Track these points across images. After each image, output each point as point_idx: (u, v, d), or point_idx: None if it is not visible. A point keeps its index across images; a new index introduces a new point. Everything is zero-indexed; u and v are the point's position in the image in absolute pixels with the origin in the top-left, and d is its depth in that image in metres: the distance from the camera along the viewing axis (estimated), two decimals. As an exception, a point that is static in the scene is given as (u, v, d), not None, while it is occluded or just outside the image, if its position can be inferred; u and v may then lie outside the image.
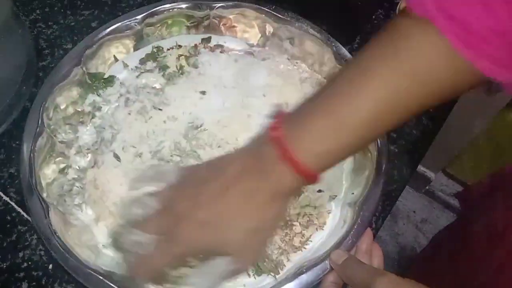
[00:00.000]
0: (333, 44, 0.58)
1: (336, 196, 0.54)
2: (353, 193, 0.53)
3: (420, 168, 1.34)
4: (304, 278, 0.46)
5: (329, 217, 0.52)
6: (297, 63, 0.62)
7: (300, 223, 0.52)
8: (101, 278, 0.46)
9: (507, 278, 0.51)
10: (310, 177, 0.38)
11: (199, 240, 0.38)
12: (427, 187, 1.44)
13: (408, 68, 0.35)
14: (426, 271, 0.72)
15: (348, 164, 0.55)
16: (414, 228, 1.45)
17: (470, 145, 1.18)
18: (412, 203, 1.48)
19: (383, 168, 0.52)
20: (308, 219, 0.52)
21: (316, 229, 0.52)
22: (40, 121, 0.53)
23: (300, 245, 0.51)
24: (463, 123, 0.82)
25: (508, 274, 0.51)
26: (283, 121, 0.38)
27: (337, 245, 0.47)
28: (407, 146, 0.60)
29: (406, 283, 0.39)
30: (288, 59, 0.62)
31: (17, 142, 0.57)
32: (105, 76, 0.60)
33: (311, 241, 0.51)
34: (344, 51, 0.58)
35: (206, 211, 0.38)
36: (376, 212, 0.52)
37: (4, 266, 0.51)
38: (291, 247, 0.51)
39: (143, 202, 0.40)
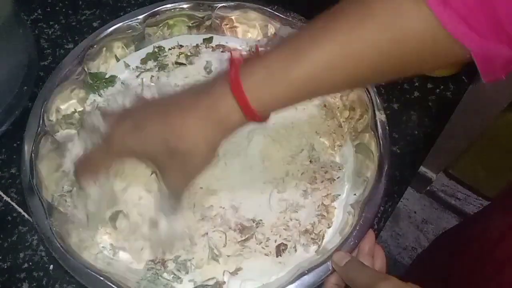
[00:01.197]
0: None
1: (339, 195, 0.53)
2: (355, 194, 0.53)
3: (421, 168, 1.34)
4: (306, 279, 0.46)
5: (334, 216, 0.52)
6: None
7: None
8: (102, 278, 0.46)
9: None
10: (250, 112, 0.39)
11: (130, 142, 0.42)
12: (428, 188, 1.44)
13: (381, 26, 0.36)
14: (423, 274, 0.72)
15: (350, 165, 0.55)
16: (415, 229, 1.45)
17: (471, 146, 1.17)
18: (413, 204, 1.47)
19: (385, 169, 0.51)
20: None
21: (328, 224, 0.52)
22: (41, 121, 0.53)
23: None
24: (465, 123, 0.82)
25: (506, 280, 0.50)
26: (241, 65, 0.39)
27: (340, 247, 0.47)
28: (409, 147, 0.60)
29: (409, 287, 0.39)
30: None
31: (18, 142, 0.57)
32: (106, 76, 0.60)
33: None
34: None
35: (141, 120, 0.42)
36: (378, 213, 0.52)
37: (5, 267, 0.51)
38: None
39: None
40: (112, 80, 0.60)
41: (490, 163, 1.22)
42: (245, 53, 0.50)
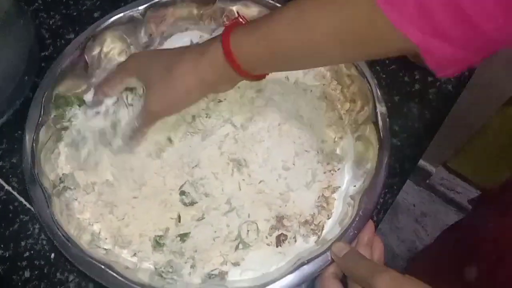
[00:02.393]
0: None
1: (339, 187, 0.54)
2: (355, 186, 0.53)
3: (421, 162, 1.34)
4: (306, 269, 0.46)
5: (334, 207, 0.53)
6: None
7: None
8: (103, 267, 0.46)
9: None
10: (235, 66, 0.46)
11: (138, 60, 0.53)
12: (427, 181, 1.44)
13: (343, 14, 0.40)
14: (428, 271, 0.72)
15: (350, 156, 0.55)
16: (413, 222, 1.45)
17: (471, 140, 1.17)
18: (412, 197, 1.48)
19: (385, 161, 0.52)
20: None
21: (328, 215, 0.53)
22: (42, 111, 0.53)
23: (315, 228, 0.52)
24: (465, 117, 0.82)
25: None
26: (237, 28, 0.46)
27: (339, 237, 0.48)
28: (409, 139, 0.60)
29: (407, 280, 0.39)
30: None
31: (19, 132, 0.57)
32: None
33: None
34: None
35: (153, 55, 0.55)
36: (378, 205, 0.52)
37: (7, 255, 0.52)
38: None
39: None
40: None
41: (490, 157, 1.22)
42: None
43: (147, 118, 0.52)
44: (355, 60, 0.53)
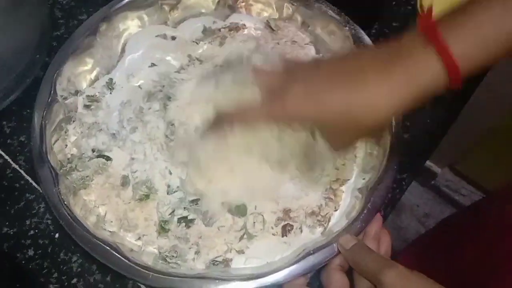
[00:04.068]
0: (352, 27, 0.57)
1: (348, 180, 0.53)
2: (364, 179, 0.52)
3: (427, 162, 1.34)
4: (311, 259, 0.46)
5: (341, 199, 0.52)
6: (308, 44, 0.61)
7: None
8: (108, 248, 0.46)
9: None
10: (456, 74, 0.33)
11: (301, 109, 0.38)
12: (432, 182, 1.44)
13: None
14: (421, 263, 0.72)
15: (360, 149, 0.55)
16: (416, 222, 1.45)
17: (480, 142, 1.17)
18: (416, 197, 1.47)
19: (396, 155, 0.51)
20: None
21: (335, 207, 0.52)
22: (52, 90, 0.53)
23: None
24: (477, 116, 0.81)
25: None
26: (436, 22, 0.35)
27: (346, 230, 0.47)
28: (420, 135, 0.59)
29: (415, 276, 0.39)
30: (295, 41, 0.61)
31: (28, 111, 0.57)
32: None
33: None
34: (363, 35, 0.57)
35: (317, 85, 0.37)
36: (386, 200, 0.51)
37: (11, 232, 0.51)
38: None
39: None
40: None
41: (498, 160, 1.21)
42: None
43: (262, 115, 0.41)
44: None
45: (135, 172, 0.53)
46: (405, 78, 0.34)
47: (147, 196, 0.52)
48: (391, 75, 0.34)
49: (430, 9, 0.38)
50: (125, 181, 0.53)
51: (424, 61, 0.34)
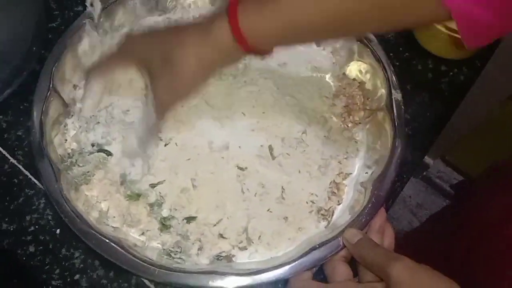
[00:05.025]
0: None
1: (350, 173, 0.53)
2: (366, 173, 0.53)
3: (419, 154, 1.34)
4: (317, 254, 0.46)
5: (344, 193, 0.52)
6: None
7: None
8: (111, 243, 0.45)
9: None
10: (243, 42, 0.42)
11: (135, 46, 0.49)
12: (424, 173, 1.45)
13: None
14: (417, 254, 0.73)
15: (363, 143, 0.55)
16: (409, 213, 1.46)
17: (472, 133, 1.18)
18: (408, 188, 1.48)
19: (398, 149, 0.51)
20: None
21: (338, 201, 0.52)
22: (51, 83, 0.52)
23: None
24: (473, 109, 0.82)
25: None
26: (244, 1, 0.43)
27: (350, 224, 0.47)
28: (420, 128, 0.59)
29: (421, 268, 0.39)
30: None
31: (25, 104, 0.56)
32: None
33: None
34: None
35: (151, 37, 0.48)
36: (389, 193, 0.52)
37: (11, 229, 0.51)
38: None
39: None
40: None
41: (488, 151, 1.22)
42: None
43: (158, 111, 0.49)
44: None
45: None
46: (211, 45, 0.43)
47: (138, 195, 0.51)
48: (202, 43, 0.43)
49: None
50: (123, 179, 0.52)
51: (221, 33, 0.42)
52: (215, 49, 0.43)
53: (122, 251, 0.45)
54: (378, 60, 0.54)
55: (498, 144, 1.15)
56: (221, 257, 0.49)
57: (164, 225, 0.50)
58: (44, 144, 0.49)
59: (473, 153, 1.30)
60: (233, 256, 0.49)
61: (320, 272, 0.48)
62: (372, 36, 0.56)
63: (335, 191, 0.52)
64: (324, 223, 0.51)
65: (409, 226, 1.44)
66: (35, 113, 0.51)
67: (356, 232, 0.45)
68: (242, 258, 0.49)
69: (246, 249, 0.50)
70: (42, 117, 0.50)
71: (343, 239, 0.46)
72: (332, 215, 0.52)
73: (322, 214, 0.51)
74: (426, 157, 1.37)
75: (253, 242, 0.50)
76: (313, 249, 0.46)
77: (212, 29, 0.43)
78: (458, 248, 0.59)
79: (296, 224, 0.51)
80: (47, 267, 0.49)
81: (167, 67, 0.45)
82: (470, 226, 0.59)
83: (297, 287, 0.45)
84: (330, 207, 0.52)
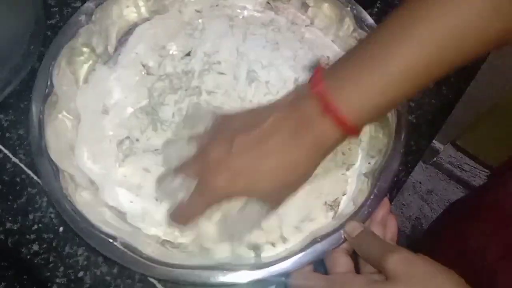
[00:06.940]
0: (354, 7, 0.55)
1: (353, 165, 0.52)
2: (369, 163, 0.52)
3: (429, 139, 1.33)
4: (319, 247, 0.45)
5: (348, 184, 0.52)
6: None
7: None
8: (111, 241, 0.45)
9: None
10: (352, 131, 0.39)
11: (230, 189, 0.41)
12: (434, 159, 1.43)
13: (446, 23, 0.36)
14: (434, 245, 0.72)
15: (365, 133, 0.54)
16: (419, 199, 1.45)
17: (481, 118, 1.16)
18: (418, 174, 1.47)
19: (402, 138, 0.50)
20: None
21: (343, 192, 0.52)
22: (49, 81, 0.51)
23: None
24: (480, 94, 0.80)
25: None
26: (324, 75, 0.39)
27: (353, 215, 0.47)
28: (425, 116, 0.58)
29: (419, 259, 0.38)
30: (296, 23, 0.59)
31: (26, 103, 0.56)
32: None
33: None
34: (365, 14, 0.55)
35: (240, 160, 0.40)
36: (392, 183, 0.51)
37: (15, 228, 0.51)
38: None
39: (182, 147, 0.44)
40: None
41: (499, 135, 1.20)
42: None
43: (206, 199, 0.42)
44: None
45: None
46: (314, 143, 0.40)
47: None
48: (302, 144, 0.40)
49: (318, 69, 0.40)
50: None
51: (323, 130, 0.39)
52: (324, 149, 0.41)
53: (123, 248, 0.45)
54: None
55: (509, 127, 1.14)
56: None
57: None
58: (43, 143, 0.49)
59: (484, 138, 1.28)
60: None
61: (321, 266, 0.47)
62: (370, 21, 0.55)
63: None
64: (331, 213, 0.50)
65: (419, 213, 1.43)
66: (33, 112, 0.51)
67: (357, 225, 0.45)
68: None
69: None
70: (41, 116, 0.50)
71: (343, 232, 0.45)
72: (338, 205, 0.51)
73: (329, 205, 0.51)
74: (436, 142, 1.36)
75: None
76: (315, 242, 0.45)
77: (312, 126, 0.39)
78: (475, 238, 0.59)
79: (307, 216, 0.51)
80: (52, 265, 0.50)
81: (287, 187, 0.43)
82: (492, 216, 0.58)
83: (297, 279, 0.45)
84: (336, 198, 0.51)
